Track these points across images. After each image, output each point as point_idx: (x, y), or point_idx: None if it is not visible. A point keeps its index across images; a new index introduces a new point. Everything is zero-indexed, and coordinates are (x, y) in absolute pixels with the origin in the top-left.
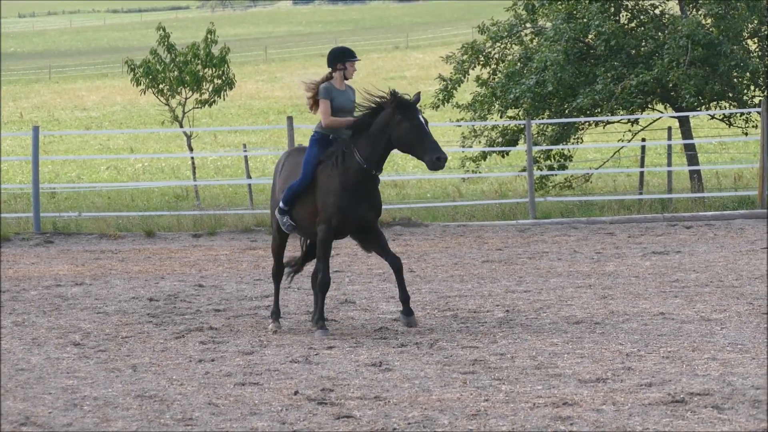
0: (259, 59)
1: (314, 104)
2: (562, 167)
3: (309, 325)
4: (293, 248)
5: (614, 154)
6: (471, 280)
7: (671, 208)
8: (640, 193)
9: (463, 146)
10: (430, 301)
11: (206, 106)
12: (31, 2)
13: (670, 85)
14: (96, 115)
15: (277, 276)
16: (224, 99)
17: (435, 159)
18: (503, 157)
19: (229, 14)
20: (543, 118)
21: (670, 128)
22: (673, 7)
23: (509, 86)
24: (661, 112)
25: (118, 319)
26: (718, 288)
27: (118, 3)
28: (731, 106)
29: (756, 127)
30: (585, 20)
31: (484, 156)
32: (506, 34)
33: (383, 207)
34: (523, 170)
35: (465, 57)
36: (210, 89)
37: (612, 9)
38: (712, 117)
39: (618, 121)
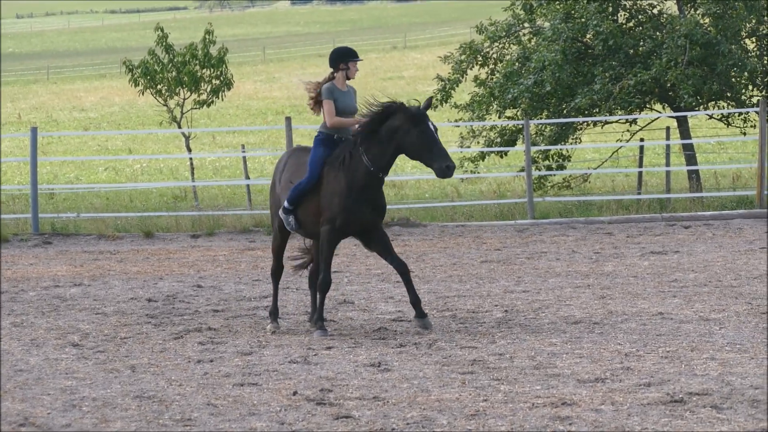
0: (258, 59)
1: (315, 105)
2: (561, 167)
3: (308, 326)
4: (293, 248)
5: (612, 154)
6: (469, 280)
7: (670, 208)
8: (639, 193)
9: (462, 146)
10: (429, 302)
11: (204, 106)
12: (30, 2)
13: (669, 84)
14: (94, 116)
15: (276, 275)
16: (222, 99)
17: (444, 167)
18: (502, 157)
19: (227, 14)
20: (541, 118)
21: (668, 128)
22: (671, 7)
23: (507, 86)
24: (660, 112)
25: (116, 319)
26: (717, 288)
27: (116, 3)
28: (729, 106)
29: (754, 126)
30: (583, 20)
31: (482, 156)
32: (504, 34)
33: None
34: (522, 170)
35: (463, 57)
36: (208, 90)
37: (610, 9)
38: (711, 117)
39: (616, 121)
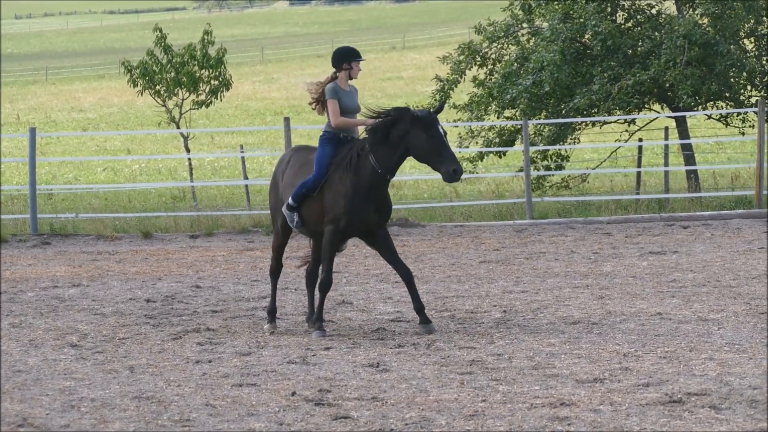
0: (256, 60)
1: (317, 104)
2: (559, 167)
3: (306, 326)
4: (295, 248)
5: (611, 154)
6: (468, 280)
7: (668, 208)
8: (637, 193)
9: (460, 147)
10: (428, 302)
11: (203, 107)
12: (28, 3)
13: (667, 85)
14: (93, 117)
15: (275, 274)
16: (221, 100)
17: (452, 171)
18: (500, 157)
19: (225, 15)
20: (540, 119)
21: (667, 128)
22: (670, 7)
23: (506, 86)
24: (658, 112)
25: (115, 320)
26: (716, 288)
27: (114, 4)
28: (728, 106)
29: (753, 126)
30: (582, 20)
31: (481, 156)
32: (503, 34)
33: None
34: (520, 170)
35: (462, 57)
36: (207, 90)
37: (608, 9)
38: (709, 117)
39: (615, 121)
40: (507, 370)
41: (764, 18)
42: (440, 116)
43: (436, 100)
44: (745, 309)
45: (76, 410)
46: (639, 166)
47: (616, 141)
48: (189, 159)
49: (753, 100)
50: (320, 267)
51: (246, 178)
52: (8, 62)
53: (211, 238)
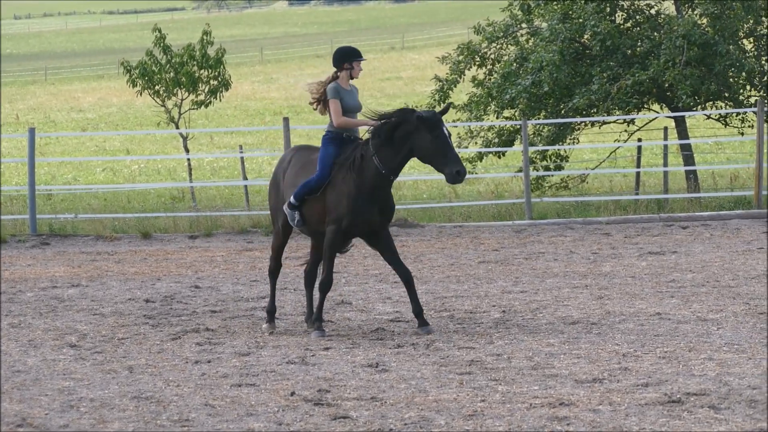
0: (255, 60)
1: (318, 104)
2: (559, 168)
3: (305, 326)
4: (294, 248)
5: (610, 154)
6: (467, 280)
7: (667, 208)
8: (637, 194)
9: (459, 147)
10: (427, 302)
11: (202, 107)
12: (28, 3)
13: (666, 85)
14: (92, 117)
15: (274, 274)
16: (220, 100)
17: (455, 172)
18: (499, 157)
19: (224, 15)
20: (539, 119)
21: (666, 128)
22: (669, 7)
23: (505, 87)
24: (657, 113)
25: (114, 320)
26: (715, 288)
27: (113, 4)
28: (727, 106)
29: (752, 127)
30: (581, 20)
31: (480, 157)
32: (502, 34)
33: None
34: (520, 171)
35: (461, 57)
36: (206, 90)
37: (608, 9)
38: (708, 117)
39: (614, 122)
40: (506, 370)
41: (763, 18)
42: None
43: (435, 100)
44: (744, 309)
45: (75, 410)
46: (638, 166)
47: (615, 141)
48: (188, 159)
49: (752, 100)
50: (319, 267)
51: (245, 178)
52: (7, 62)
53: (210, 238)
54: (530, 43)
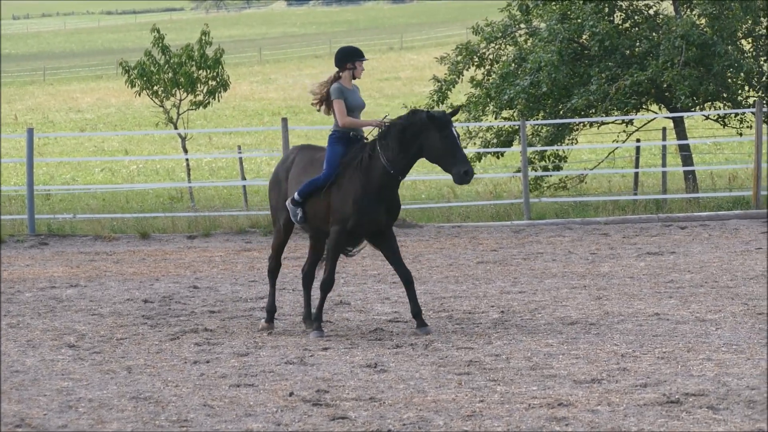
0: (254, 60)
1: (321, 105)
2: (557, 168)
3: (303, 326)
4: (293, 248)
5: (609, 154)
6: (466, 281)
7: (666, 208)
8: (635, 194)
9: None
10: (425, 303)
11: (201, 107)
12: (27, 3)
13: (665, 85)
14: (90, 117)
15: (273, 273)
16: (219, 100)
17: (462, 173)
18: (498, 158)
19: (223, 15)
20: (537, 119)
21: (664, 129)
22: (668, 8)
23: (504, 87)
24: (656, 113)
25: (113, 320)
26: (713, 288)
27: (112, 4)
28: (726, 107)
29: (750, 127)
30: (579, 21)
31: (479, 157)
32: (500, 34)
33: None
34: (518, 171)
35: (459, 58)
36: (204, 91)
37: (606, 9)
38: (707, 117)
39: (612, 122)
40: (505, 370)
41: (762, 18)
42: None
43: (433, 100)
44: (743, 309)
45: (73, 410)
46: (637, 166)
47: (613, 141)
48: (186, 159)
49: (750, 100)
50: (317, 266)
51: (244, 178)
52: (6, 63)
53: (208, 238)
54: (529, 44)
